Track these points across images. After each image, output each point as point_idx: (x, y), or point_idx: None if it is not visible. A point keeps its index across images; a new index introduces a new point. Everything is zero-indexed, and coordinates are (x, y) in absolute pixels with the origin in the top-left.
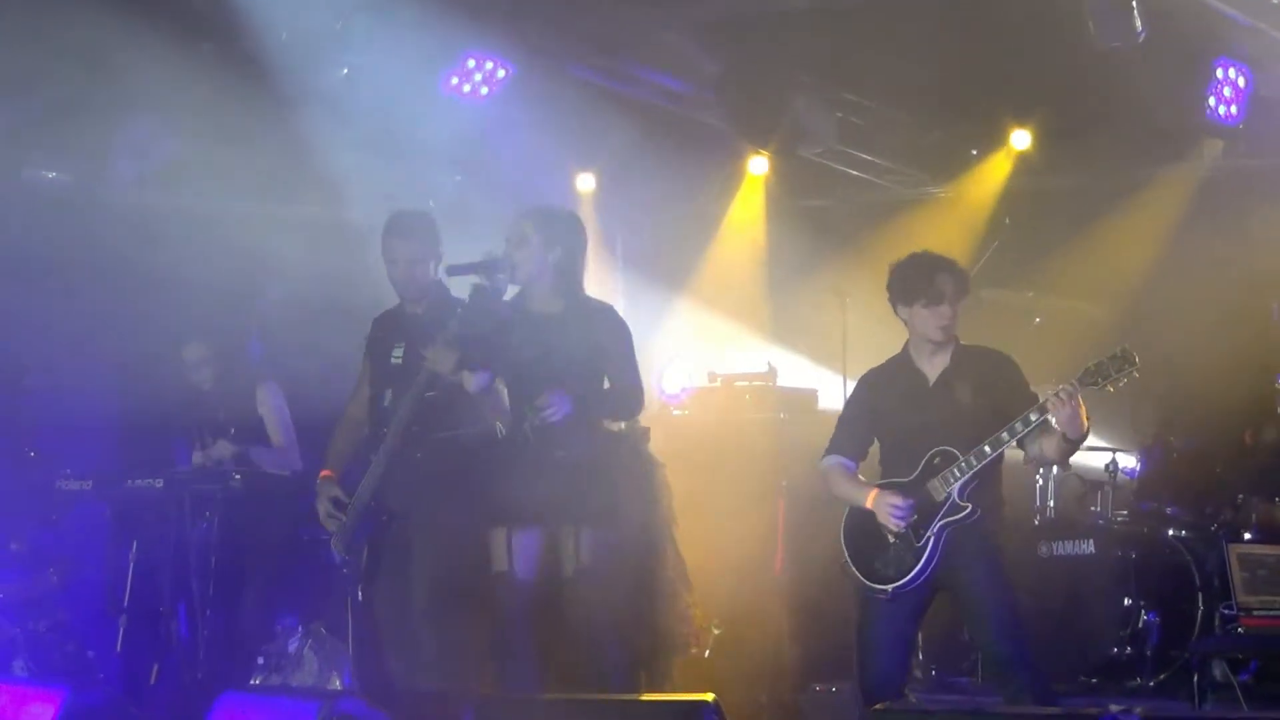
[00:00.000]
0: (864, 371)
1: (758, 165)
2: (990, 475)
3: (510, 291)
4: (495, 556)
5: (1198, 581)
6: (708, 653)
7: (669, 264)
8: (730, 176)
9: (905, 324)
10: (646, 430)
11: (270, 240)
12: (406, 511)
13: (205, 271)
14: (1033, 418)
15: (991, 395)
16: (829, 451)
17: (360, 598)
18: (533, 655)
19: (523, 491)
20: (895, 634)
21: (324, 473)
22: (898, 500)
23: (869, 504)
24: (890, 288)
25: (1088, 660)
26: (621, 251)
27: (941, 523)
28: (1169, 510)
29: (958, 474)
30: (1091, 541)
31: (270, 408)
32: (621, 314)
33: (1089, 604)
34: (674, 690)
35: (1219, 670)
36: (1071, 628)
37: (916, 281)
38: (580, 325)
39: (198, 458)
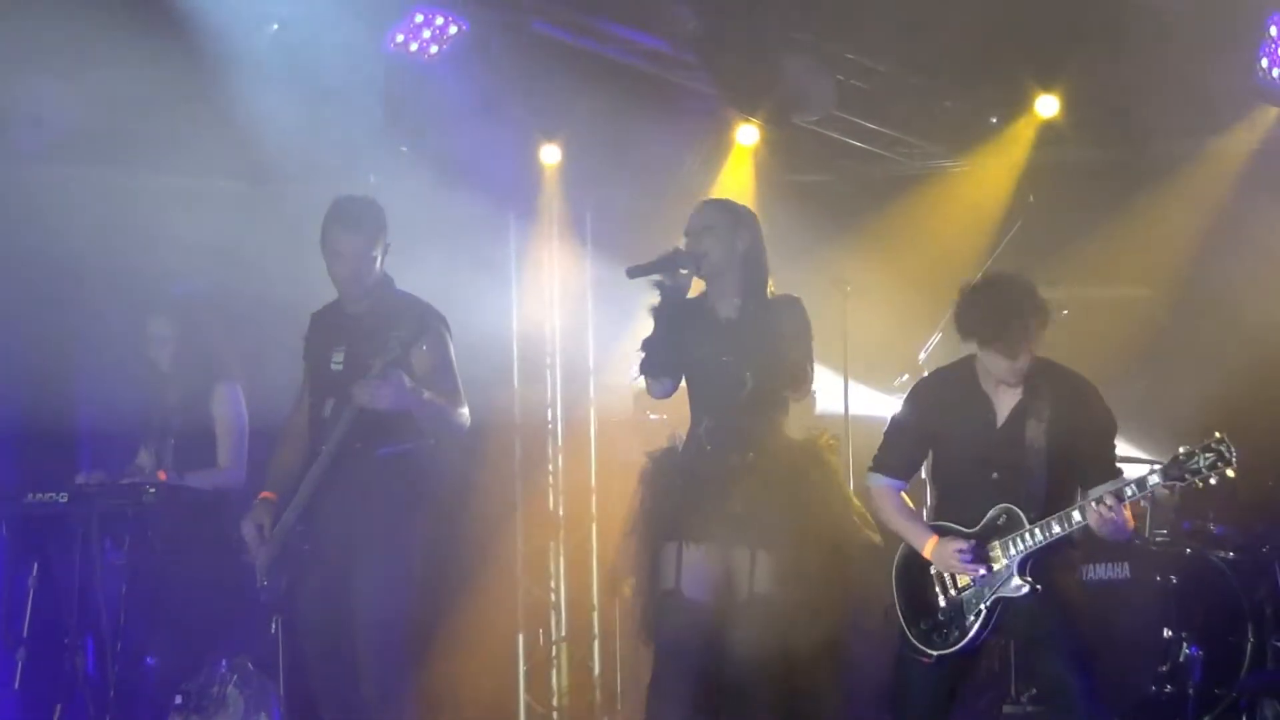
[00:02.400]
0: (913, 378)
1: (746, 135)
2: (1064, 500)
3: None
4: (664, 575)
5: (1246, 609)
6: None
7: (645, 246)
8: (715, 148)
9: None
10: (835, 442)
11: (188, 218)
12: (343, 536)
13: (113, 252)
14: (1075, 518)
15: (1070, 439)
16: (876, 469)
17: (276, 630)
18: (690, 688)
19: (694, 503)
20: (934, 692)
21: (263, 494)
22: (963, 547)
23: (927, 553)
24: (960, 319)
25: (1123, 699)
26: (591, 231)
27: (997, 596)
28: (1214, 529)
29: (1020, 546)
30: (1127, 565)
31: (225, 413)
32: (803, 306)
33: (1124, 635)
34: None
35: (1271, 711)
36: (1104, 663)
37: (994, 325)
38: (762, 323)
39: (142, 456)
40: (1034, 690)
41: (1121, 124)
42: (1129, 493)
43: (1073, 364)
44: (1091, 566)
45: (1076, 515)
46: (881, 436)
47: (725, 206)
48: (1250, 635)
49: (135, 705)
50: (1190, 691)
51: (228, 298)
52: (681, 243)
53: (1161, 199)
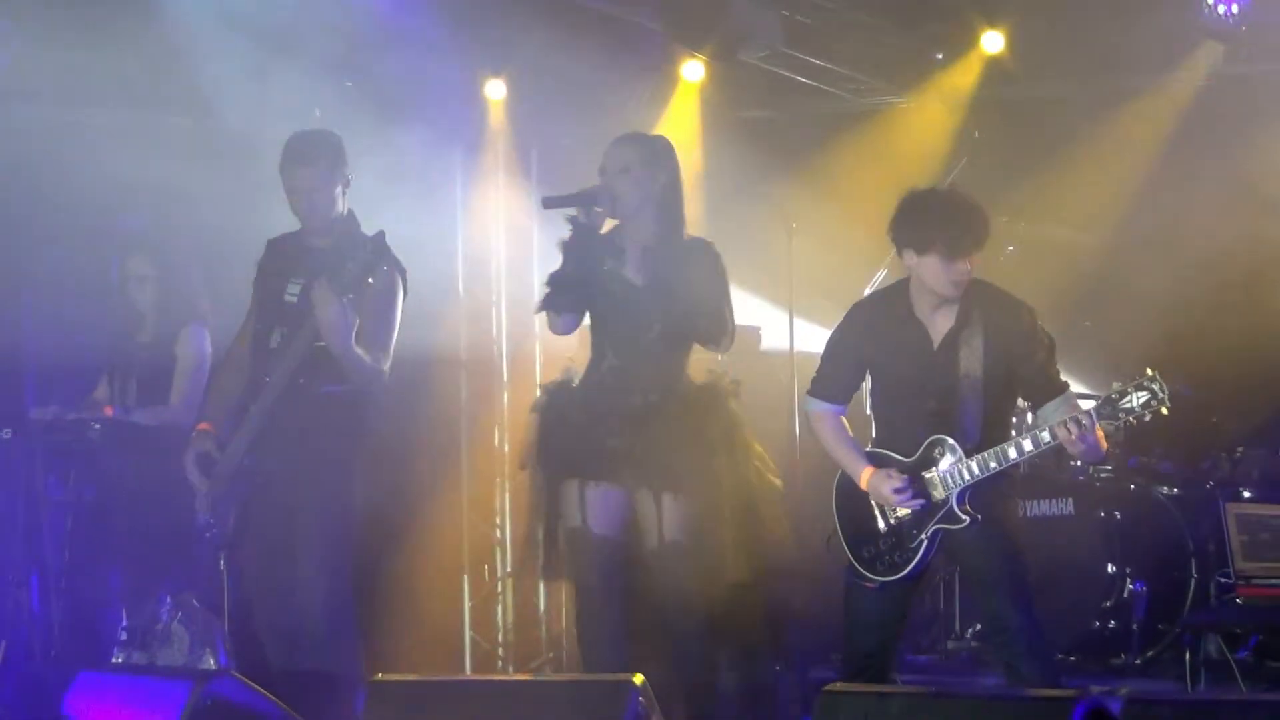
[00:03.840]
0: (842, 305)
1: (692, 71)
2: (1000, 427)
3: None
4: (567, 513)
5: (1190, 546)
6: None
7: (590, 182)
8: (661, 83)
9: (909, 269)
10: (736, 384)
11: (134, 155)
12: (287, 472)
13: (57, 187)
14: (1045, 439)
15: (1007, 363)
16: (813, 393)
17: (223, 566)
18: (620, 620)
19: (597, 442)
20: (882, 617)
21: (201, 425)
22: (899, 484)
23: (863, 484)
24: (897, 227)
25: (1067, 635)
26: (537, 168)
27: (937, 527)
28: (1159, 465)
29: (959, 478)
30: (1071, 501)
31: (188, 353)
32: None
33: (1068, 572)
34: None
35: (1214, 646)
36: (1048, 598)
37: (934, 227)
38: (674, 263)
39: (100, 390)
40: (977, 626)
41: (1067, 60)
42: (1087, 421)
43: None
44: (1035, 502)
45: (1024, 445)
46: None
47: (643, 144)
48: (1194, 571)
49: (80, 641)
50: (1134, 627)
51: (172, 233)
52: (598, 180)
53: (1107, 135)
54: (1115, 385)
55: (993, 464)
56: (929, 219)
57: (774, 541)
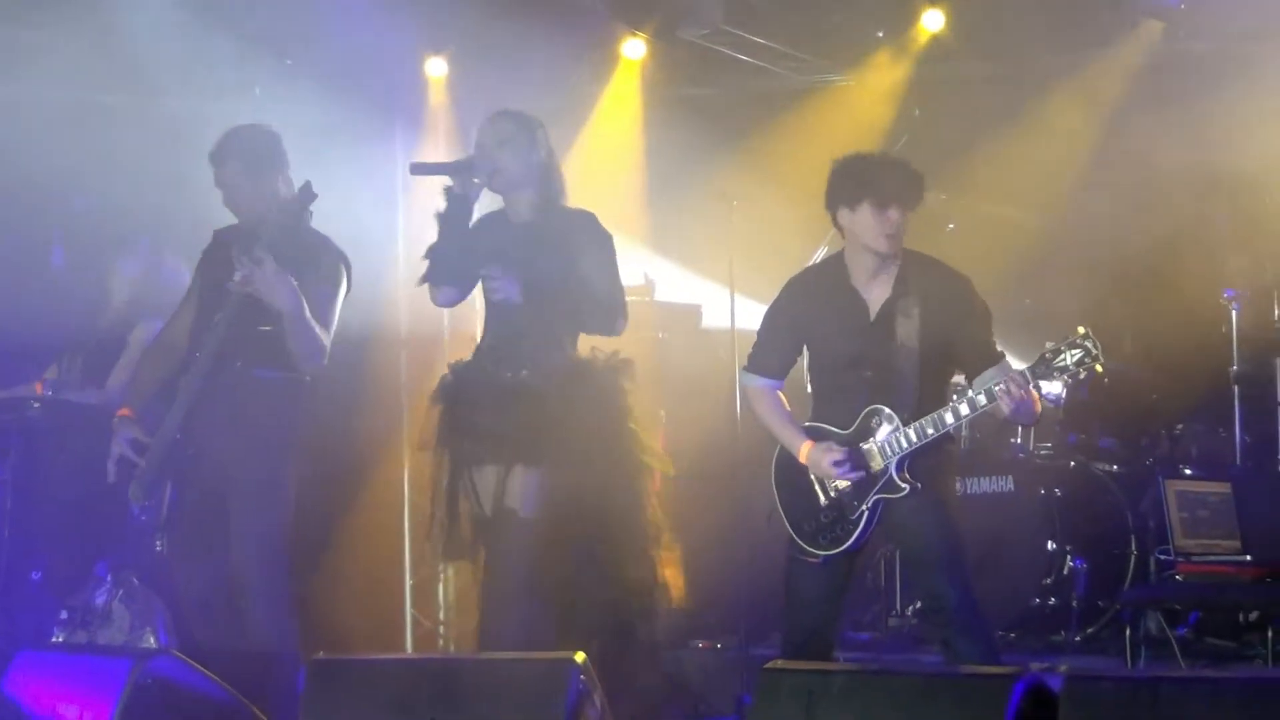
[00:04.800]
0: (782, 283)
1: (633, 48)
2: (936, 397)
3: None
4: (464, 492)
5: (1130, 523)
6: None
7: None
8: (601, 61)
9: (843, 233)
10: (627, 362)
11: (75, 134)
12: (220, 454)
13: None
14: (981, 402)
15: (944, 333)
16: (750, 368)
17: (161, 547)
18: (518, 601)
19: (471, 422)
20: (824, 592)
21: (120, 411)
22: (839, 456)
23: (802, 458)
24: (831, 185)
25: (1007, 612)
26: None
27: (878, 497)
28: (1099, 442)
29: (897, 447)
30: (1010, 478)
31: (139, 340)
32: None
33: (1007, 548)
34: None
35: (1154, 623)
36: (988, 575)
37: (863, 178)
38: (557, 234)
39: (51, 371)
40: (918, 604)
41: (1007, 38)
42: (1021, 381)
43: None
44: (975, 480)
45: (960, 409)
46: None
47: (521, 119)
48: (1133, 548)
49: (20, 620)
50: (1074, 604)
51: (118, 213)
52: (475, 155)
53: (1047, 114)
54: (1049, 344)
55: (930, 430)
56: (858, 172)
57: (642, 523)
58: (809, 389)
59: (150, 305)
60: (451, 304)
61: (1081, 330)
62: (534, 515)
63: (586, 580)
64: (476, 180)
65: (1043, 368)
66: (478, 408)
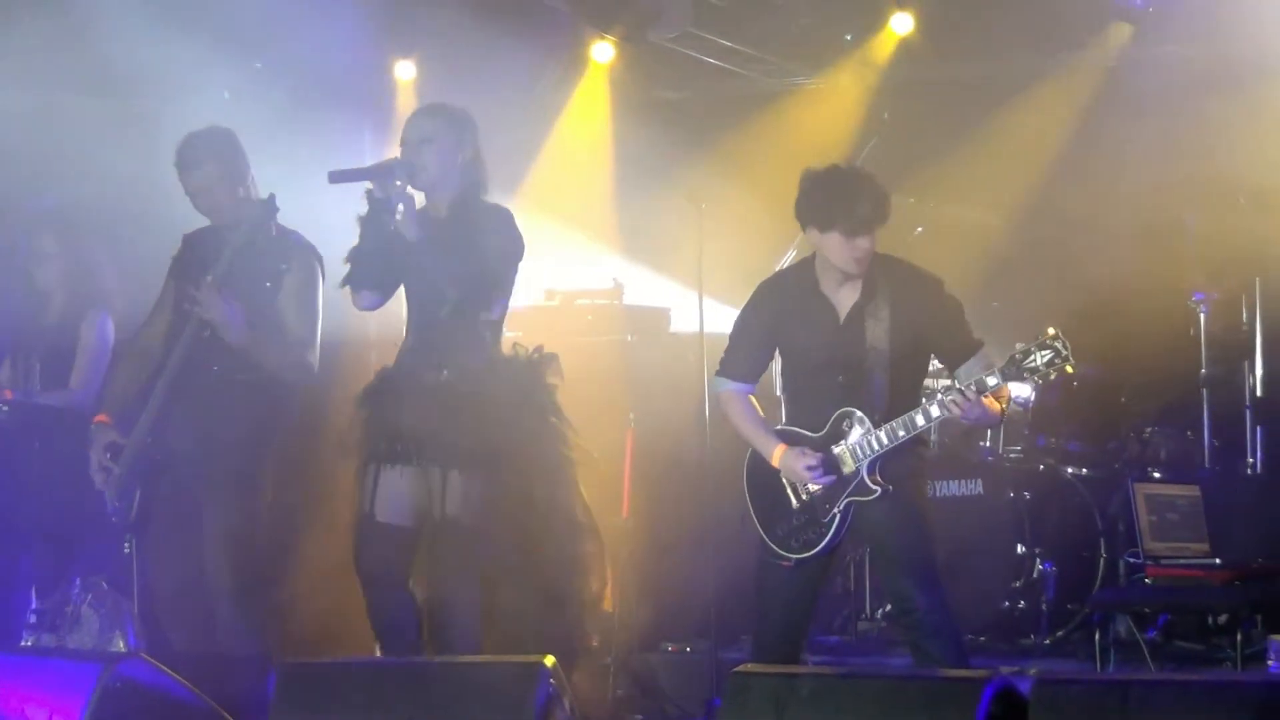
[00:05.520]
0: (752, 286)
1: (602, 51)
2: (908, 398)
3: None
4: (360, 498)
5: (1099, 526)
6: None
7: (500, 164)
8: (570, 64)
9: (812, 244)
10: (551, 357)
11: (43, 135)
12: (191, 451)
13: None
14: (934, 412)
15: (915, 333)
16: (722, 373)
17: (128, 550)
18: (408, 611)
19: (391, 423)
20: (795, 596)
21: (98, 417)
22: (812, 461)
23: (775, 462)
24: (800, 205)
25: (976, 615)
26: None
27: (849, 500)
28: (1068, 446)
29: (868, 449)
30: (980, 481)
31: (90, 337)
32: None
33: (977, 552)
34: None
35: (1123, 626)
36: (957, 579)
37: (835, 205)
38: (469, 230)
39: (4, 372)
40: (888, 607)
41: (976, 41)
42: (971, 393)
43: None
44: (945, 483)
45: (931, 411)
46: None
47: (448, 115)
48: (1103, 551)
49: None
50: (1044, 607)
51: (84, 213)
52: (398, 152)
53: (1016, 116)
54: (1019, 345)
55: (901, 432)
56: (829, 197)
57: (571, 520)
58: (779, 393)
59: (81, 289)
60: (373, 308)
61: (1051, 331)
62: (470, 520)
63: (508, 586)
64: (398, 182)
65: (1013, 368)
66: (399, 411)
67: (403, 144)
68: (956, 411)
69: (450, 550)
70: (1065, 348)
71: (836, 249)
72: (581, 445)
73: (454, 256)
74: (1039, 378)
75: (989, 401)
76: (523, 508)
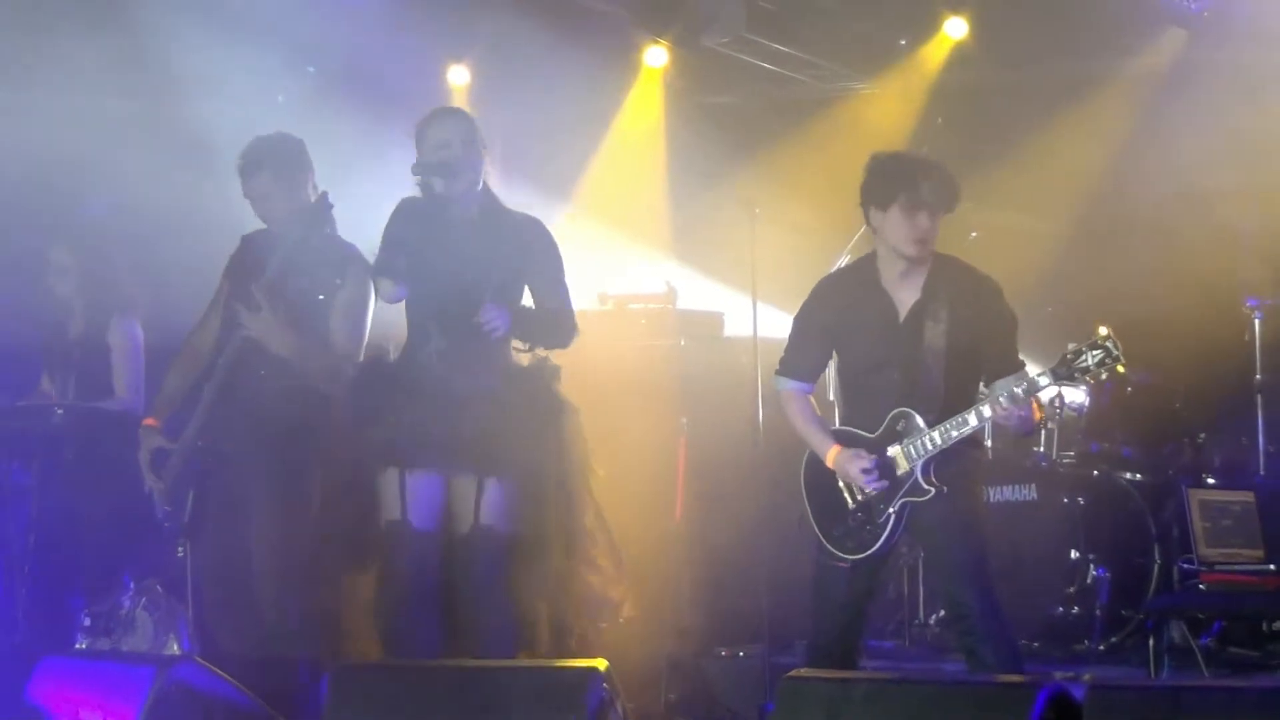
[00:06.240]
0: (805, 291)
1: (655, 56)
2: (962, 400)
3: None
4: (386, 503)
5: (1154, 532)
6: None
7: (554, 169)
8: (624, 69)
9: (875, 233)
10: (557, 369)
11: (94, 140)
12: (240, 455)
13: (10, 175)
14: (986, 413)
15: (971, 337)
16: (782, 371)
17: (181, 554)
18: (433, 617)
19: (421, 428)
20: (851, 598)
21: (146, 420)
22: (866, 464)
23: (829, 463)
24: (865, 184)
25: (1030, 621)
26: (501, 155)
27: (904, 500)
28: (1122, 451)
29: (922, 450)
30: (1034, 486)
31: (120, 344)
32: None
33: (1031, 557)
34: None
35: (1177, 632)
36: (1011, 584)
37: (897, 178)
38: (502, 235)
39: (45, 384)
40: (941, 612)
41: (1030, 46)
42: (1020, 394)
43: None
44: (999, 488)
45: (983, 411)
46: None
47: (471, 120)
48: (1157, 557)
49: (44, 628)
50: (1097, 613)
51: (129, 219)
52: (444, 154)
53: (1069, 122)
54: (1071, 345)
55: (954, 433)
56: (894, 172)
57: (588, 530)
58: (831, 396)
59: (101, 297)
60: (400, 299)
61: (1103, 331)
62: (506, 528)
63: (520, 593)
64: (459, 181)
65: (1064, 369)
66: (432, 416)
67: (446, 146)
68: (1001, 411)
69: (482, 559)
70: (1116, 348)
71: (896, 227)
72: (592, 453)
73: (494, 262)
74: (1090, 378)
75: (1035, 405)
76: (551, 515)
